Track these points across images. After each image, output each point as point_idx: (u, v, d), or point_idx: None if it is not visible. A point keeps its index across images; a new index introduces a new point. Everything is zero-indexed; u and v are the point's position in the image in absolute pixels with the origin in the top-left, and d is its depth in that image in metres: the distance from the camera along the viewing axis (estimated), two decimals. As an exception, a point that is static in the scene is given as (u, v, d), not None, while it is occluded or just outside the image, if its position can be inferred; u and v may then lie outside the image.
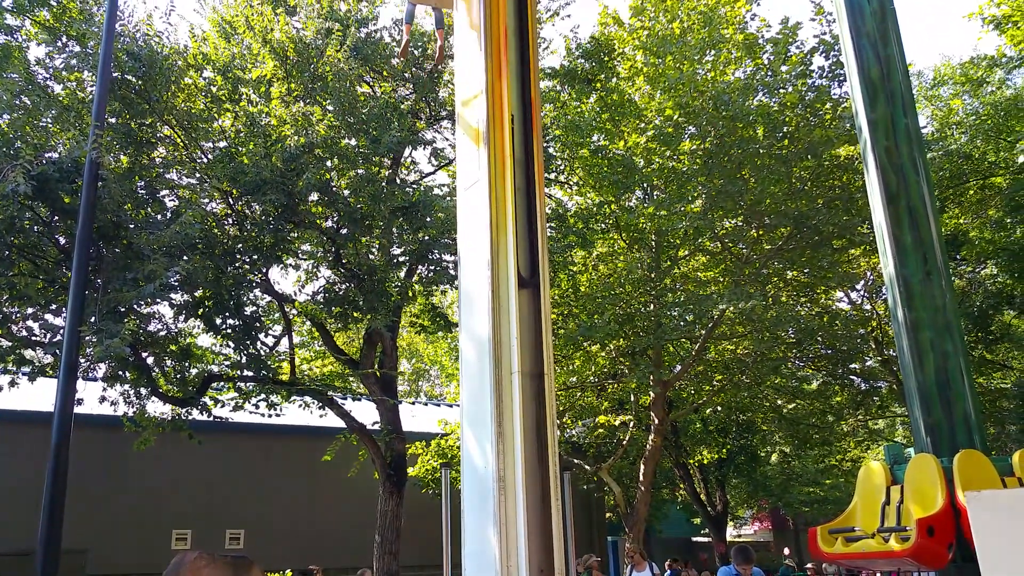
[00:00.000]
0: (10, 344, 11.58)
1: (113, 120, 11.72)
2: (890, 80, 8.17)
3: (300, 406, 15.39)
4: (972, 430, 6.71)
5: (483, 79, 4.92)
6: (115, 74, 11.34)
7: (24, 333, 11.71)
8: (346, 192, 12.87)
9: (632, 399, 18.23)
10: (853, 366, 19.67)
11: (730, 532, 33.05)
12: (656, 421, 16.72)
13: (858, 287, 19.26)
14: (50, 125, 11.69)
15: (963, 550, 5.99)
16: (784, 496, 29.42)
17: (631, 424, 18.32)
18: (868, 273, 17.90)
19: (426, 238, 12.63)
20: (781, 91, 14.82)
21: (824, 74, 14.71)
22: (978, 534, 2.74)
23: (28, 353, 11.98)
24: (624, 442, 18.57)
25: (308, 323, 15.82)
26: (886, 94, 8.12)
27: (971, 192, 17.82)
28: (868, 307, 19.59)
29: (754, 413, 20.72)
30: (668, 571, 15.01)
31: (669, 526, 30.78)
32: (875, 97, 8.15)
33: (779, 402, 19.91)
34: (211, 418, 13.76)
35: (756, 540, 37.33)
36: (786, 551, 29.31)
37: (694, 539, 34.28)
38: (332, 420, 15.25)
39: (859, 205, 14.13)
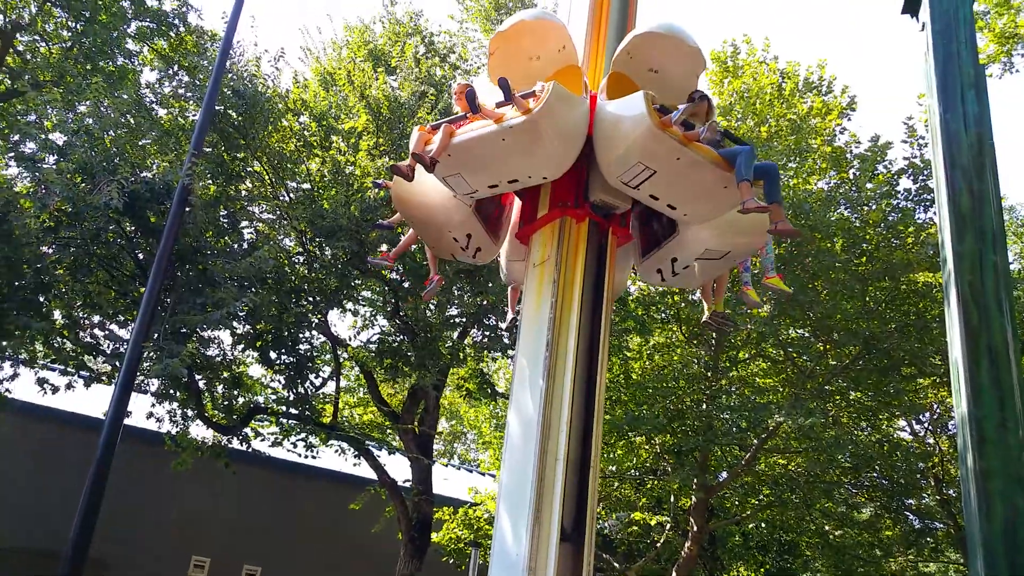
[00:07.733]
0: (74, 348, 11.91)
1: (209, 150, 12.20)
2: (981, 215, 7.90)
3: (336, 451, 15.36)
4: (1038, 595, 6.23)
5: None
6: (218, 107, 11.85)
7: (89, 340, 12.05)
8: (414, 247, 13.03)
9: (672, 500, 17.62)
10: (909, 501, 18.68)
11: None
12: (695, 528, 16.03)
13: (923, 418, 18.44)
14: (149, 146, 12.24)
15: None
16: (818, 628, 27.77)
17: (667, 526, 17.67)
18: (935, 406, 17.13)
19: (485, 303, 12.64)
20: (864, 208, 14.57)
21: (910, 197, 14.45)
22: None
23: (88, 359, 12.27)
24: (658, 544, 17.89)
25: (357, 369, 15.89)
26: (975, 229, 7.85)
27: (1055, 336, 17.02)
28: (931, 441, 18.70)
29: (799, 535, 19.77)
30: None
31: (692, 638, 29.27)
32: (963, 230, 7.89)
33: (826, 527, 18.96)
34: (249, 449, 13.82)
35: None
36: None
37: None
38: (364, 470, 15.13)
39: (933, 334, 13.63)
